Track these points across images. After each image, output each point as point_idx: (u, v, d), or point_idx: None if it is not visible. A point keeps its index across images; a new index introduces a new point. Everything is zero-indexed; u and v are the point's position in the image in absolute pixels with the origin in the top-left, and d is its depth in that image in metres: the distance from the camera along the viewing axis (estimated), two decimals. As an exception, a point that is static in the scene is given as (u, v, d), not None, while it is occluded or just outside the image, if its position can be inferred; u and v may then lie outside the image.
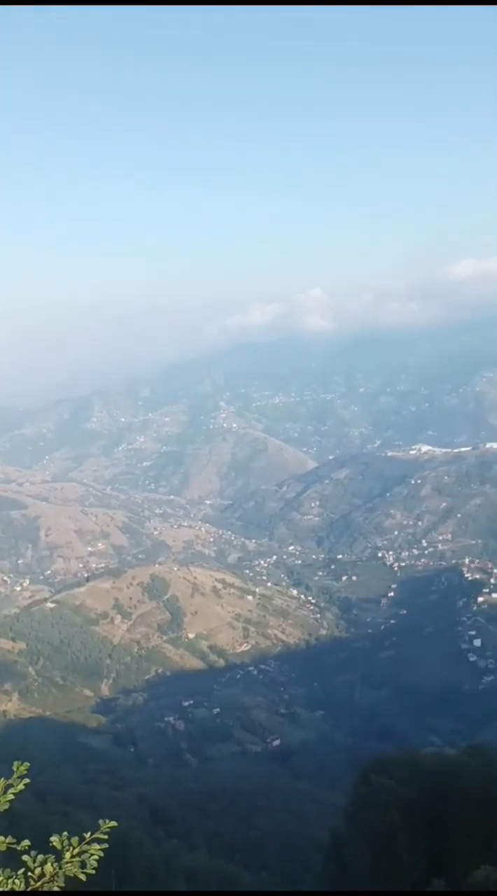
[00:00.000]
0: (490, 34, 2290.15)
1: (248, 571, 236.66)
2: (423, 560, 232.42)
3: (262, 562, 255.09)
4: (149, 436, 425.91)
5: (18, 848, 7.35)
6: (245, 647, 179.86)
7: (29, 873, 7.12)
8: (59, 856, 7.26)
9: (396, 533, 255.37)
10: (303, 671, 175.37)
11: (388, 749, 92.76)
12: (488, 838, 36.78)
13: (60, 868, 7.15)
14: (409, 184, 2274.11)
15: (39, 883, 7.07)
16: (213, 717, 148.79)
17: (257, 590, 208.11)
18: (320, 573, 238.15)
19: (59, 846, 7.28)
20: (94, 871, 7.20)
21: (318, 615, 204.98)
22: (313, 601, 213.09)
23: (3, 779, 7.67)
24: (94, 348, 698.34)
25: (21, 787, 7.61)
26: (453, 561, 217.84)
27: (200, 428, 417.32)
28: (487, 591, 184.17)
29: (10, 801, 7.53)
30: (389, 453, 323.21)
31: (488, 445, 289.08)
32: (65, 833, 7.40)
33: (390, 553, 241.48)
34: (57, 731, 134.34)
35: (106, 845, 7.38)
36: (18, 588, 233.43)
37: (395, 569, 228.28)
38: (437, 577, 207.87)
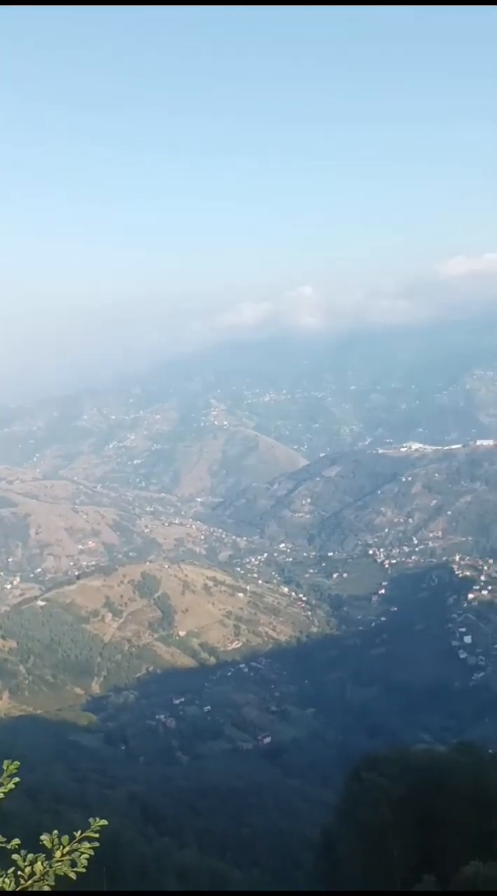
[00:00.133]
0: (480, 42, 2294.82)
1: (239, 569, 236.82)
2: (413, 557, 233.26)
3: (253, 559, 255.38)
4: (140, 433, 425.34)
5: (8, 847, 7.31)
6: (236, 645, 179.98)
7: (19, 872, 7.07)
8: (49, 854, 7.21)
9: (387, 530, 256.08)
10: (294, 669, 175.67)
11: (379, 746, 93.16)
12: (478, 835, 36.98)
13: (51, 867, 7.10)
14: (401, 182, 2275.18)
15: (29, 882, 7.02)
16: (205, 714, 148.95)
17: (248, 587, 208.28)
18: (311, 570, 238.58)
19: (49, 845, 7.24)
20: (84, 870, 7.16)
21: (309, 612, 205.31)
22: (304, 599, 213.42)
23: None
24: (85, 347, 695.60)
25: (11, 785, 7.57)
26: (444, 558, 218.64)
27: (191, 425, 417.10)
28: (478, 588, 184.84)
29: (1, 800, 7.48)
30: (380, 451, 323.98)
31: (479, 443, 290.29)
32: (55, 832, 7.35)
33: (381, 550, 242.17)
34: (48, 730, 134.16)
35: (96, 844, 7.34)
36: (8, 586, 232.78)
37: (386, 566, 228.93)
38: (428, 574, 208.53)
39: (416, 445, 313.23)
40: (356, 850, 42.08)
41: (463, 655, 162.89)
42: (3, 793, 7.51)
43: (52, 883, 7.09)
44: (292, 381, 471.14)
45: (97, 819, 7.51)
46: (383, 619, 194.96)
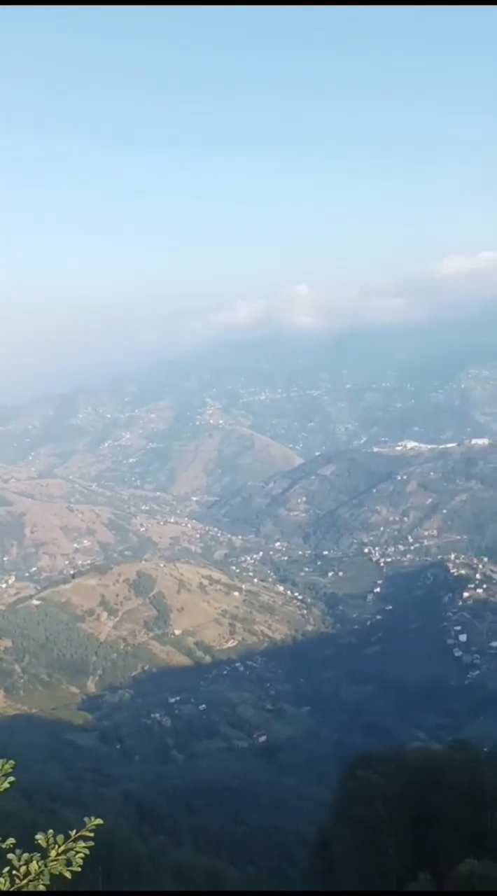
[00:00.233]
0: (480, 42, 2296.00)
1: (234, 568, 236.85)
2: (408, 556, 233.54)
3: (249, 558, 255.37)
4: (135, 432, 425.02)
5: (4, 846, 7.31)
6: (231, 644, 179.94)
7: (14, 872, 7.07)
8: (44, 854, 7.21)
9: (382, 529, 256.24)
10: (289, 667, 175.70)
11: (374, 744, 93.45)
12: (473, 833, 37.04)
13: (46, 866, 7.10)
14: (397, 180, 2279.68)
15: (25, 881, 7.02)
16: (200, 713, 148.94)
17: (244, 586, 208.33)
18: (307, 569, 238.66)
19: (44, 844, 7.24)
20: (79, 869, 7.16)
21: (305, 611, 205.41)
22: (300, 597, 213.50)
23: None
24: (80, 346, 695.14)
25: (6, 784, 7.57)
26: (439, 556, 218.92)
27: (187, 424, 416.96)
28: (473, 586, 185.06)
29: (-4, 800, 7.48)
30: (375, 449, 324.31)
31: (474, 441, 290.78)
32: (50, 831, 7.36)
33: (376, 549, 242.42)
34: (43, 729, 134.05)
35: (91, 843, 7.35)
36: (3, 585, 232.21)
37: (381, 564, 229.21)
38: (423, 572, 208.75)
39: (411, 444, 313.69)
40: (351, 848, 42.13)
41: (458, 654, 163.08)
42: (-1, 792, 7.51)
43: (48, 882, 7.09)
44: (288, 380, 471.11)
45: (92, 818, 7.52)
46: (378, 617, 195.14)
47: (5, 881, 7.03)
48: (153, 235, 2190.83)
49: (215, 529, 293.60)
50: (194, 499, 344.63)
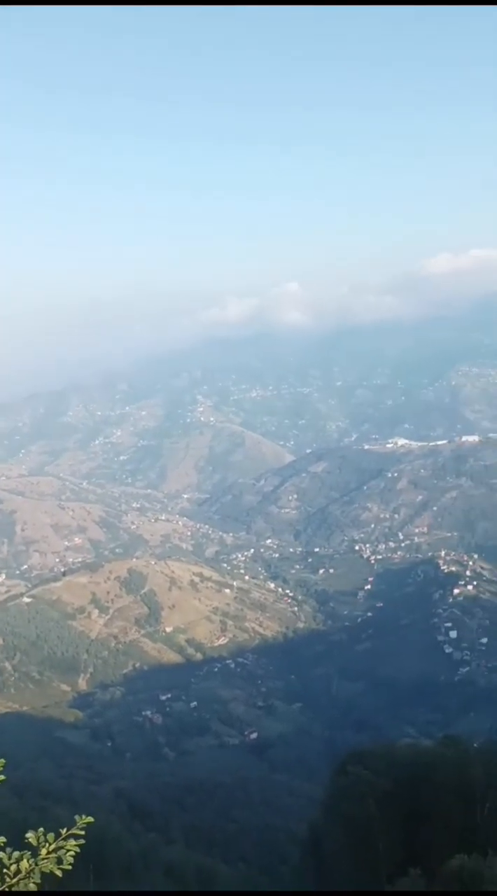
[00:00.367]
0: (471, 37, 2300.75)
1: (225, 565, 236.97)
2: (399, 553, 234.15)
3: (240, 555, 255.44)
4: (126, 430, 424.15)
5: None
6: (223, 641, 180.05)
7: (5, 870, 7.06)
8: (35, 852, 7.21)
9: (373, 526, 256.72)
10: (280, 664, 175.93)
11: (365, 741, 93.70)
12: (463, 828, 37.21)
13: (36, 864, 7.10)
14: (387, 177, 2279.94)
15: (15, 880, 7.01)
16: (191, 710, 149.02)
17: (235, 583, 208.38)
18: (297, 566, 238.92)
19: (35, 842, 7.23)
20: (70, 867, 7.16)
21: (296, 608, 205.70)
22: (291, 594, 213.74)
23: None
24: (71, 343, 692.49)
25: (-3, 783, 7.56)
26: (429, 553, 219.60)
27: (178, 422, 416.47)
28: (463, 583, 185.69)
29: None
30: (366, 447, 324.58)
31: (464, 439, 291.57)
32: (41, 829, 7.35)
33: (367, 546, 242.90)
34: (34, 726, 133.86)
35: (82, 841, 7.35)
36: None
37: (372, 561, 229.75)
38: (414, 569, 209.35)
39: (401, 441, 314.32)
40: (342, 844, 42.24)
41: (448, 650, 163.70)
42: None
43: (38, 881, 7.08)
44: (278, 378, 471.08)
45: (83, 816, 7.51)
46: (369, 614, 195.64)
47: (-4, 880, 7.02)
48: (144, 233, 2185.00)
49: (206, 527, 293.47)
50: (185, 496, 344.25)
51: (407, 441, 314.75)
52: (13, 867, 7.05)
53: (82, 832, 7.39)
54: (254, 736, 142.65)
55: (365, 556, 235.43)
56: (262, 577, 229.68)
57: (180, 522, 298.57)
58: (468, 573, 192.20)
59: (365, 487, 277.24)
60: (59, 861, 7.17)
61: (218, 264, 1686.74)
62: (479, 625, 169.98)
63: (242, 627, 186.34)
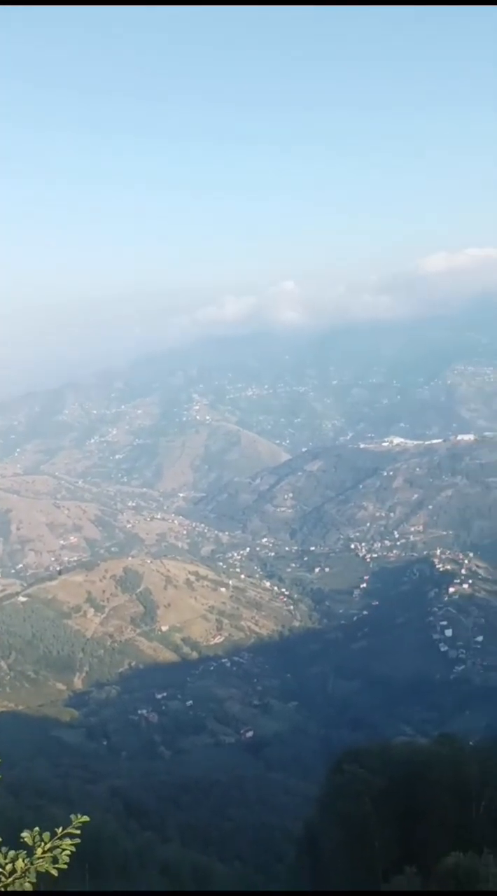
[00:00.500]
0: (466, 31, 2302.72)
1: (221, 564, 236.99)
2: (395, 551, 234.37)
3: (236, 554, 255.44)
4: (121, 428, 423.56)
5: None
6: (218, 640, 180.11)
7: (0, 870, 7.05)
8: (30, 851, 7.19)
9: (369, 524, 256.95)
10: (276, 663, 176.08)
11: (361, 739, 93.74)
12: (458, 826, 37.27)
13: (32, 864, 7.08)
14: (383, 176, 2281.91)
15: (10, 879, 7.00)
16: (187, 709, 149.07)
17: (231, 582, 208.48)
18: (293, 565, 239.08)
19: (30, 842, 7.22)
20: (66, 867, 7.15)
21: (292, 607, 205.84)
22: (286, 593, 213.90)
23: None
24: (67, 342, 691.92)
25: (-8, 782, 7.55)
26: (425, 552, 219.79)
27: (173, 420, 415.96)
28: (458, 581, 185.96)
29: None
30: (362, 445, 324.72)
31: (459, 437, 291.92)
32: (36, 828, 7.34)
33: (363, 544, 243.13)
34: (29, 726, 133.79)
35: (78, 840, 7.33)
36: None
37: (368, 560, 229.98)
38: (409, 568, 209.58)
39: (397, 440, 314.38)
40: (338, 842, 42.28)
41: (444, 648, 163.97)
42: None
43: (34, 880, 7.07)
44: (274, 376, 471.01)
45: (79, 815, 7.50)
46: (365, 612, 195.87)
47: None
48: (142, 232, 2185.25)
49: (202, 525, 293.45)
50: (181, 495, 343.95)
51: (403, 440, 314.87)
52: (8, 867, 7.03)
53: (78, 831, 7.38)
54: (249, 734, 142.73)
55: (360, 554, 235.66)
56: (257, 575, 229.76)
57: (176, 521, 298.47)
58: (463, 572, 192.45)
59: (360, 486, 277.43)
60: (55, 860, 7.16)
61: (216, 263, 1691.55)
62: (474, 623, 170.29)
63: (238, 626, 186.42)
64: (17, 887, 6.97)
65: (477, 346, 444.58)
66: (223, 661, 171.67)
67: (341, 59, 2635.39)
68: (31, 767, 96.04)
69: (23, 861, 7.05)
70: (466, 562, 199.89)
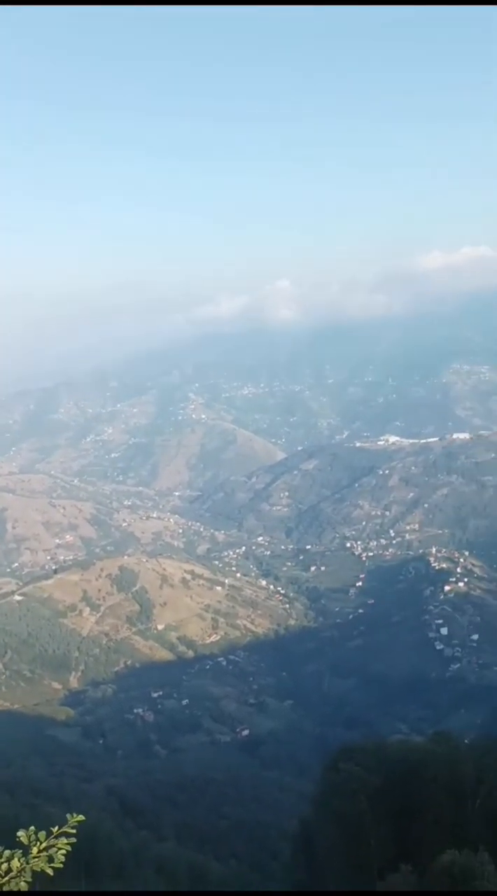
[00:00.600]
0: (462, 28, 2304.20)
1: (217, 562, 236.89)
2: (390, 550, 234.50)
3: (232, 553, 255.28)
4: (117, 427, 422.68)
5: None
6: (214, 638, 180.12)
7: (-4, 869, 7.05)
8: (26, 850, 7.19)
9: (364, 523, 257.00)
10: (272, 661, 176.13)
11: (356, 737, 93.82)
12: (454, 824, 37.35)
13: (27, 863, 7.08)
14: (378, 175, 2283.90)
15: (6, 878, 7.00)
16: (183, 707, 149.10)
17: (226, 581, 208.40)
18: (289, 563, 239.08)
19: (26, 841, 7.22)
20: (61, 866, 7.15)
21: (287, 605, 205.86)
22: (282, 591, 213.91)
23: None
24: (62, 340, 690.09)
25: (-13, 782, 7.54)
26: (421, 550, 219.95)
27: (169, 419, 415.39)
28: (454, 580, 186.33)
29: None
30: (358, 444, 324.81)
31: (455, 436, 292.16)
32: (32, 828, 7.34)
33: (358, 543, 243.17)
34: (25, 724, 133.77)
35: (74, 839, 7.33)
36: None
37: (364, 559, 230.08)
38: (405, 566, 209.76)
39: (393, 439, 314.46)
40: (334, 840, 42.31)
41: (439, 647, 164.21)
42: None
43: (30, 879, 7.07)
44: (270, 375, 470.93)
45: (74, 814, 7.50)
46: (361, 611, 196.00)
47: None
48: (135, 229, 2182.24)
49: (198, 524, 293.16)
50: (177, 494, 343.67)
51: (398, 438, 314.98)
52: (4, 866, 7.04)
53: (74, 830, 7.38)
54: (245, 733, 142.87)
55: (356, 553, 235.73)
56: (253, 574, 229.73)
57: (172, 520, 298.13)
58: (459, 570, 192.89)
59: (356, 485, 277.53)
60: (51, 859, 7.16)
61: (211, 261, 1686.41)
62: (469, 621, 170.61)
63: (234, 625, 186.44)
64: (12, 887, 6.97)
65: (472, 344, 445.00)
66: (219, 659, 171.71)
67: (340, 64, 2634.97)
68: (26, 766, 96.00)
69: (18, 860, 7.05)
70: (462, 560, 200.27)
